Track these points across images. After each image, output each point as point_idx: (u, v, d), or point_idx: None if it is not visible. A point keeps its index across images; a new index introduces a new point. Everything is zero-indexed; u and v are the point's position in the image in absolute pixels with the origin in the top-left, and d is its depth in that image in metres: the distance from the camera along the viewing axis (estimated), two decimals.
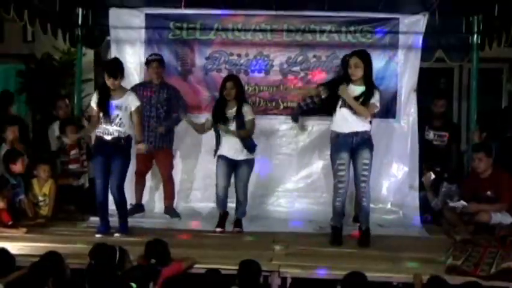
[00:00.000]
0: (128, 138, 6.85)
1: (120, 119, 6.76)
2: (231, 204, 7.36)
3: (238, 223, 7.29)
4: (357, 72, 6.48)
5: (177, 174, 8.16)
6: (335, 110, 6.56)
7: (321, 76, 8.15)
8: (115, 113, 6.75)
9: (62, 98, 8.79)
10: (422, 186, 7.89)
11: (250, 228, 7.34)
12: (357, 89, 6.52)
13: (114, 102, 6.77)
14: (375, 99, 6.52)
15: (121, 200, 6.92)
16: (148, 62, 7.89)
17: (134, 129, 6.89)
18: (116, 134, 6.77)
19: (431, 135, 8.22)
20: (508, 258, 5.55)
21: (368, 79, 6.54)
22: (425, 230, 7.55)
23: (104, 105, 6.76)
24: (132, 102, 6.81)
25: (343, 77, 6.72)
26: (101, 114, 6.80)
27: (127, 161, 6.92)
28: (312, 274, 5.61)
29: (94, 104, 6.87)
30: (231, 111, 7.20)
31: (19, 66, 10.23)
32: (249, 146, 7.20)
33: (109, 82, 6.76)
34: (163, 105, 7.78)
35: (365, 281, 4.94)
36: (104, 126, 6.79)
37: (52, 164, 7.87)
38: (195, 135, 7.82)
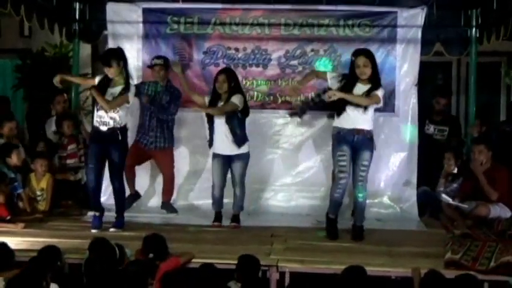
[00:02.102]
0: (124, 129, 6.83)
1: None
2: (227, 200, 7.33)
3: (235, 218, 7.28)
4: (367, 71, 6.46)
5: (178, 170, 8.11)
6: (343, 110, 6.52)
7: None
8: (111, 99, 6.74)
9: (61, 93, 8.73)
10: (420, 182, 7.90)
11: (248, 223, 7.33)
12: (362, 88, 6.49)
13: (111, 90, 6.74)
14: (380, 93, 6.50)
15: (120, 189, 6.94)
16: (150, 66, 7.77)
17: None
18: (112, 124, 6.74)
19: (431, 129, 8.21)
20: (507, 252, 5.54)
21: (375, 78, 6.53)
22: (423, 224, 7.55)
23: (101, 90, 6.73)
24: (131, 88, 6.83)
25: (350, 77, 6.58)
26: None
27: (125, 152, 6.96)
28: (310, 268, 5.60)
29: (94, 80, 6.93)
30: (222, 103, 7.17)
31: (15, 61, 10.18)
32: (238, 139, 7.10)
33: (106, 71, 6.76)
34: (164, 106, 7.65)
35: (364, 275, 4.93)
36: (100, 113, 6.75)
37: (50, 158, 7.85)
38: (197, 131, 7.91)
